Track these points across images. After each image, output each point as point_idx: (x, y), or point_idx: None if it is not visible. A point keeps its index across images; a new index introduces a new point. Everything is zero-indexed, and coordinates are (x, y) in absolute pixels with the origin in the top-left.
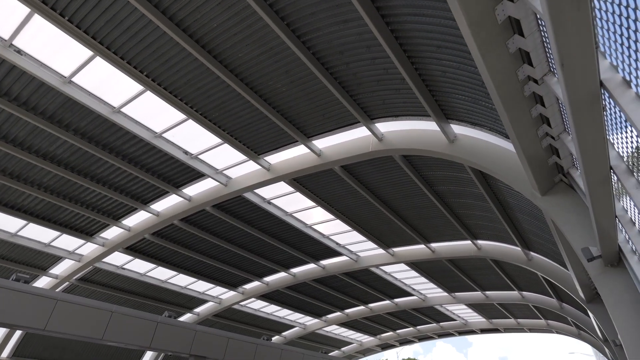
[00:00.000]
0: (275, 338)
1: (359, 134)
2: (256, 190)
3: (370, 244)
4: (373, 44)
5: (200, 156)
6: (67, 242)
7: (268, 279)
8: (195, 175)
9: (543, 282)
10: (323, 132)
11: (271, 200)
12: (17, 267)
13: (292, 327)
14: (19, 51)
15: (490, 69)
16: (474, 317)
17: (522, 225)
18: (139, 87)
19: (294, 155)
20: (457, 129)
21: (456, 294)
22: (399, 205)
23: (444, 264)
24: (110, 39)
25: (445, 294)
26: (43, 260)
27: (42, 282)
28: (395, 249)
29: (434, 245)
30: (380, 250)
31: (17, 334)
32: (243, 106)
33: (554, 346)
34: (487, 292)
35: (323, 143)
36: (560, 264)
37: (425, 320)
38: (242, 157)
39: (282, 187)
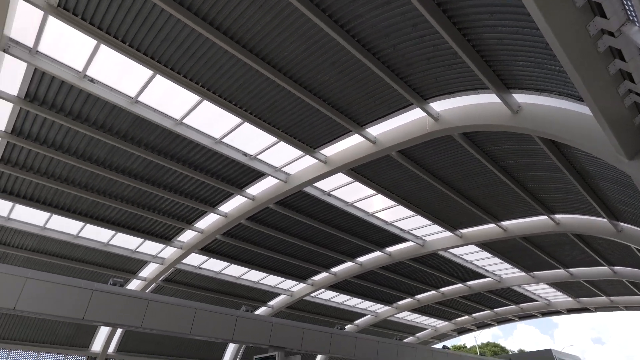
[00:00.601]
0: (348, 327)
1: (413, 116)
2: (315, 184)
3: (436, 227)
4: (419, 22)
5: (259, 156)
6: (151, 247)
7: (335, 269)
8: (256, 175)
9: (639, 255)
10: (376, 119)
11: (331, 192)
12: (112, 273)
13: (364, 315)
14: (92, 80)
15: (555, 28)
16: (558, 297)
17: (606, 195)
18: (196, 98)
19: (349, 145)
20: (521, 98)
21: (535, 273)
22: (463, 185)
23: (518, 243)
24: (167, 57)
25: (523, 273)
26: (132, 265)
27: (134, 285)
28: (463, 231)
29: (505, 223)
30: (447, 233)
31: (119, 331)
32: (294, 103)
33: None
34: (570, 270)
35: (377, 130)
36: None
37: (502, 303)
38: (299, 152)
39: (341, 178)
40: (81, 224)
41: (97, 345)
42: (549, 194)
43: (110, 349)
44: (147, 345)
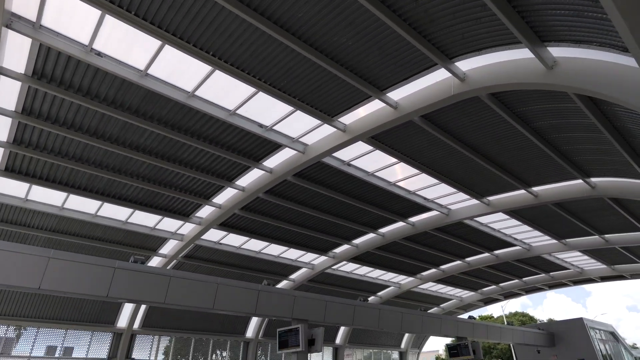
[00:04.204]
0: (371, 299)
1: (437, 77)
2: (335, 154)
3: (462, 196)
4: None
5: (275, 127)
6: (169, 224)
7: (357, 241)
8: (273, 147)
9: None
10: (398, 82)
11: (351, 162)
12: (133, 250)
13: (387, 286)
14: (98, 54)
15: None
16: (591, 265)
17: None
18: (207, 68)
19: (369, 111)
20: (557, 51)
21: (567, 240)
22: (491, 150)
23: (550, 209)
24: (175, 25)
25: (554, 241)
26: (152, 242)
27: (155, 262)
28: (491, 198)
29: (536, 189)
30: (474, 201)
31: (143, 307)
32: (310, 69)
33: None
34: (606, 236)
35: (399, 94)
36: None
37: (532, 271)
38: (316, 121)
39: (361, 146)
40: (99, 202)
41: (122, 322)
42: (585, 156)
43: (135, 325)
44: (172, 321)
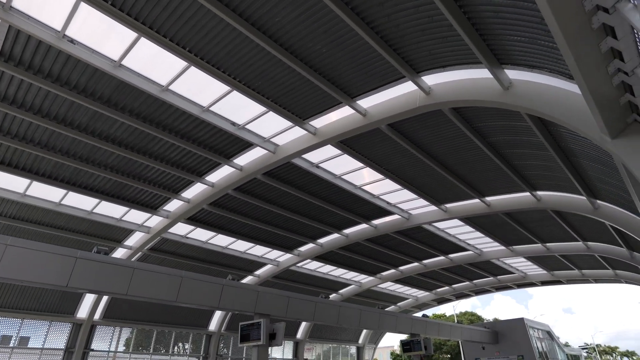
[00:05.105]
0: (332, 296)
1: (405, 89)
2: (304, 156)
3: (422, 202)
4: None
5: (247, 126)
6: (136, 216)
7: (322, 240)
8: (244, 145)
9: (611, 231)
10: (367, 91)
11: (319, 164)
12: (97, 241)
13: (348, 285)
14: (71, 41)
15: (551, 2)
16: (533, 270)
17: (587, 173)
18: (183, 64)
19: (339, 117)
20: (513, 74)
21: (514, 247)
22: (451, 160)
23: (500, 218)
24: (152, 18)
25: (503, 247)
26: (117, 233)
27: (119, 253)
28: (448, 205)
29: (489, 199)
30: (432, 207)
31: (105, 298)
32: (284, 72)
33: (622, 296)
34: (547, 244)
35: (368, 102)
36: (632, 212)
37: (481, 275)
38: (288, 123)
39: (330, 150)
40: (63, 191)
41: (82, 312)
42: (533, 171)
43: (96, 316)
44: (134, 312)
